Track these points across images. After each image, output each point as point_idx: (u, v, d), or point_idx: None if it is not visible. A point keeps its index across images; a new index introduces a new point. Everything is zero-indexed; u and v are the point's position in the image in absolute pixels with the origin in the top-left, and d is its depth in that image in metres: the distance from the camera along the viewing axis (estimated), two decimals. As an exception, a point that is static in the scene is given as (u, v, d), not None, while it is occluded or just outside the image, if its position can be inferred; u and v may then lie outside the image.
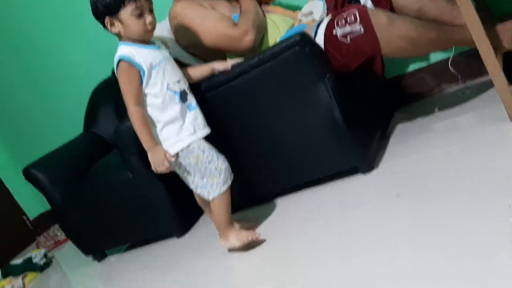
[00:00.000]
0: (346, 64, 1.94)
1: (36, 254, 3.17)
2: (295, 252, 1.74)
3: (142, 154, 2.28)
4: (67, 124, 3.39)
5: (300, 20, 2.18)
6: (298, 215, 1.98)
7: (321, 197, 2.01)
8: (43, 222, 3.78)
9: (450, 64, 2.19)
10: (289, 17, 2.24)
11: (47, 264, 3.15)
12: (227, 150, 1.93)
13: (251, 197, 2.25)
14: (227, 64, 1.98)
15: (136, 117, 1.79)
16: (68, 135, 3.04)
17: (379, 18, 1.84)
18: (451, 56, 2.18)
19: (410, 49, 1.88)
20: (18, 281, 2.97)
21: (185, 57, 2.17)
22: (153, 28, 1.82)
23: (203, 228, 2.40)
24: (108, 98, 2.92)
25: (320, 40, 1.95)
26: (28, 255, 3.18)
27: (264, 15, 2.20)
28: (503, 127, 1.75)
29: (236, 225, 1.96)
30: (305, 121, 1.96)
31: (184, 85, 1.88)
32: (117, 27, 1.79)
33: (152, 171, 2.30)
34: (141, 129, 1.80)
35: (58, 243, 3.50)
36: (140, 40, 1.81)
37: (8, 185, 3.87)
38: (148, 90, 1.81)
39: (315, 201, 2.01)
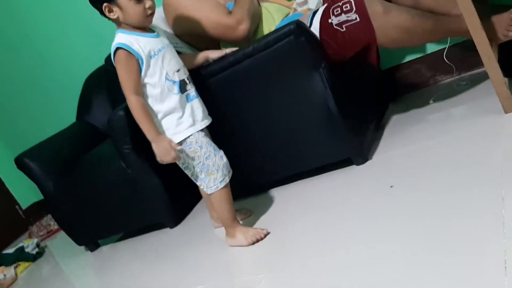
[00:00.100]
0: (341, 53, 1.93)
1: (28, 244, 3.17)
2: (290, 242, 1.73)
3: (136, 144, 2.30)
4: (60, 113, 3.38)
5: (295, 9, 2.17)
6: (292, 206, 1.98)
7: (316, 188, 2.01)
8: (36, 212, 3.78)
9: (445, 56, 2.19)
10: (284, 6, 2.22)
11: (39, 254, 3.15)
12: (220, 140, 1.92)
13: (245, 188, 2.24)
14: (221, 53, 1.97)
15: (136, 107, 1.73)
16: (61, 124, 3.02)
17: (375, 7, 1.84)
18: (446, 47, 2.17)
19: (406, 39, 1.87)
20: (10, 270, 2.96)
21: (180, 46, 2.15)
22: (153, 13, 1.76)
23: (196, 219, 2.40)
24: (101, 87, 2.90)
25: (315, 29, 1.94)
26: (20, 245, 3.18)
27: (259, 3, 2.19)
28: (498, 119, 1.75)
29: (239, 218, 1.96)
30: (299, 111, 1.95)
31: (184, 75, 1.82)
32: (116, 13, 1.72)
33: (145, 161, 2.33)
34: (143, 120, 1.74)
35: (50, 233, 3.50)
36: (139, 26, 1.76)
37: (0, 174, 3.85)
38: (146, 80, 1.75)
39: (310, 192, 2.00)
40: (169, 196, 2.39)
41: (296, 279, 1.50)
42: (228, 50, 1.97)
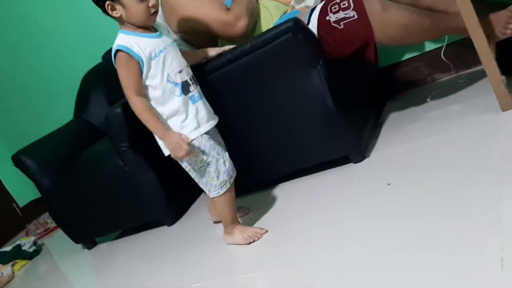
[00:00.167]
0: (339, 50, 1.93)
1: (25, 242, 3.16)
2: (288, 241, 1.73)
3: (133, 141, 2.29)
4: (57, 110, 3.37)
5: (292, 7, 2.17)
6: (290, 204, 1.98)
7: (313, 186, 2.00)
8: (33, 210, 3.77)
9: (443, 54, 2.19)
10: (282, 3, 2.22)
11: (36, 252, 3.14)
12: (218, 137, 1.92)
13: (242, 186, 2.23)
14: (220, 50, 1.96)
15: (140, 108, 1.70)
16: (59, 122, 3.02)
17: (373, 4, 1.84)
18: (444, 45, 2.17)
19: (403, 36, 1.87)
20: (7, 268, 2.96)
21: (178, 43, 2.14)
22: (156, 11, 1.72)
23: (194, 217, 2.40)
24: (98, 85, 2.90)
25: (313, 26, 1.94)
26: (17, 243, 3.17)
27: (257, 0, 2.19)
28: (495, 117, 1.75)
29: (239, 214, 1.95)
30: (297, 109, 1.95)
31: (187, 76, 1.77)
32: (119, 11, 1.69)
33: (143, 159, 2.33)
34: (149, 119, 1.70)
35: (48, 231, 3.49)
36: (143, 25, 1.72)
37: (-3, 172, 3.85)
38: (147, 82, 1.71)
39: (307, 190, 2.00)
40: (166, 194, 2.39)
41: (293, 277, 1.50)
42: (227, 48, 1.97)
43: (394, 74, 2.51)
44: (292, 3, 2.18)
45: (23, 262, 3.05)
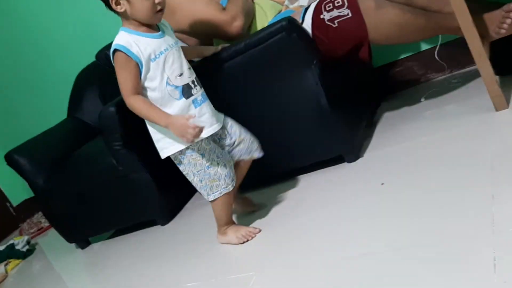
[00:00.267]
0: (333, 49, 1.93)
1: (19, 241, 3.15)
2: (281, 240, 1.73)
3: (126, 140, 2.28)
4: (51, 109, 3.36)
5: (287, 6, 2.17)
6: (283, 204, 1.97)
7: (307, 186, 2.00)
8: (27, 209, 3.76)
9: (437, 54, 2.19)
10: (276, 2, 2.22)
11: (30, 251, 3.12)
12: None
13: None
14: (216, 49, 1.95)
15: (137, 106, 1.64)
16: (52, 120, 3.00)
17: (367, 3, 1.84)
18: (438, 45, 2.18)
19: (397, 35, 1.87)
20: (0, 268, 2.95)
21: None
22: (162, 9, 1.66)
23: (188, 216, 2.39)
24: (92, 83, 2.89)
25: (307, 25, 1.94)
26: (10, 242, 3.16)
27: (252, 0, 2.18)
28: (489, 117, 1.76)
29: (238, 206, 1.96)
30: (291, 108, 1.95)
31: (188, 79, 1.70)
32: (123, 6, 1.62)
33: (137, 158, 2.32)
34: (148, 113, 1.65)
35: (41, 230, 3.47)
36: (147, 22, 1.66)
37: (-9, 171, 3.83)
38: (146, 83, 1.66)
39: (301, 190, 2.00)
40: (160, 193, 2.38)
41: (287, 277, 1.50)
42: (220, 47, 1.96)
43: (389, 74, 2.51)
44: (286, 2, 2.18)
45: (17, 261, 3.04)
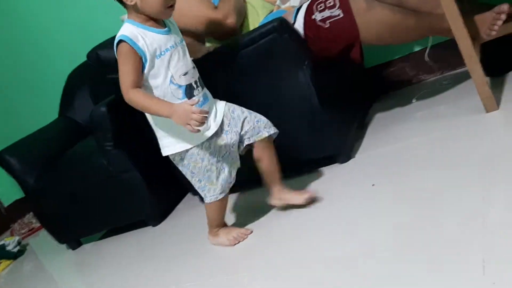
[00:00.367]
0: (325, 49, 1.93)
1: (9, 242, 3.12)
2: (272, 241, 1.73)
3: (118, 140, 2.27)
4: (42, 109, 3.34)
5: (278, 6, 2.17)
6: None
7: (299, 186, 2.00)
8: (18, 209, 3.73)
9: (428, 55, 2.20)
10: (268, 2, 2.22)
11: (20, 252, 3.10)
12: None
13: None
14: (208, 50, 1.94)
15: (138, 98, 1.57)
16: (43, 120, 2.99)
17: (358, 3, 1.84)
18: (428, 47, 2.18)
19: (388, 35, 1.88)
20: (-9, 268, 2.93)
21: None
22: (173, 5, 1.60)
23: (179, 217, 2.39)
24: (84, 83, 2.87)
25: (299, 25, 1.94)
26: (1, 243, 3.14)
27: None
28: (479, 118, 1.76)
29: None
30: (283, 108, 1.94)
31: (192, 79, 1.66)
32: None
33: (128, 159, 2.31)
34: (149, 106, 1.58)
35: (32, 231, 3.45)
36: (156, 17, 1.61)
37: (-19, 171, 3.79)
38: (149, 80, 1.61)
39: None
40: (151, 194, 2.37)
41: (278, 278, 1.50)
42: (212, 48, 1.96)
43: (380, 75, 2.52)
44: (278, 2, 2.18)
45: (8, 262, 3.02)
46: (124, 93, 1.58)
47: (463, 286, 1.09)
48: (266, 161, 1.80)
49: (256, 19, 2.11)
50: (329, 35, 1.89)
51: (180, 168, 1.76)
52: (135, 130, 2.31)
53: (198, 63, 1.95)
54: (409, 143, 1.88)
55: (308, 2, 1.97)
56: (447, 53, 2.22)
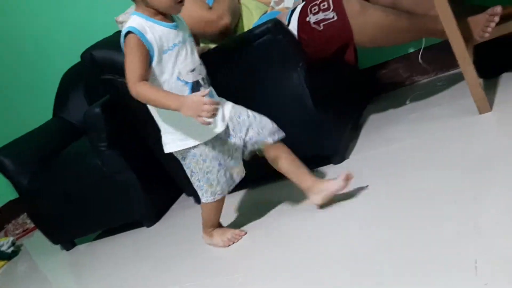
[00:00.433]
0: (319, 51, 1.93)
1: (3, 242, 3.11)
2: (267, 243, 1.73)
3: (112, 141, 2.27)
4: (36, 110, 3.33)
5: (272, 8, 2.17)
6: (269, 206, 1.96)
7: (292, 187, 2.00)
8: (12, 210, 3.72)
9: (421, 57, 2.20)
10: (262, 3, 2.22)
11: (15, 253, 3.09)
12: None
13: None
14: (202, 50, 1.93)
15: (145, 91, 1.52)
16: (37, 121, 2.98)
17: (352, 5, 1.85)
18: (421, 48, 2.19)
19: (382, 37, 1.89)
20: (-16, 269, 2.92)
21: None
22: (182, 1, 1.56)
23: (174, 218, 2.39)
24: (78, 84, 2.87)
25: (293, 27, 1.94)
26: (-5, 243, 3.13)
27: (238, 0, 2.18)
28: (473, 120, 1.77)
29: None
30: (277, 110, 1.93)
31: (199, 76, 1.63)
32: None
33: (122, 159, 2.31)
34: (157, 100, 1.53)
35: (27, 231, 3.44)
36: (164, 11, 1.57)
37: (-25, 171, 3.78)
38: (155, 75, 1.57)
39: (286, 191, 1.99)
40: (146, 195, 2.37)
41: (272, 279, 1.50)
42: (207, 48, 1.96)
43: (374, 76, 2.52)
44: (272, 3, 2.18)
45: (1, 263, 3.01)
46: (131, 86, 1.54)
47: (455, 287, 1.10)
48: (283, 159, 1.73)
49: (250, 20, 2.12)
50: (323, 38, 1.89)
51: (184, 164, 1.74)
52: (129, 130, 2.31)
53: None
54: (403, 145, 1.89)
55: (302, 4, 1.97)
56: (441, 55, 2.23)
